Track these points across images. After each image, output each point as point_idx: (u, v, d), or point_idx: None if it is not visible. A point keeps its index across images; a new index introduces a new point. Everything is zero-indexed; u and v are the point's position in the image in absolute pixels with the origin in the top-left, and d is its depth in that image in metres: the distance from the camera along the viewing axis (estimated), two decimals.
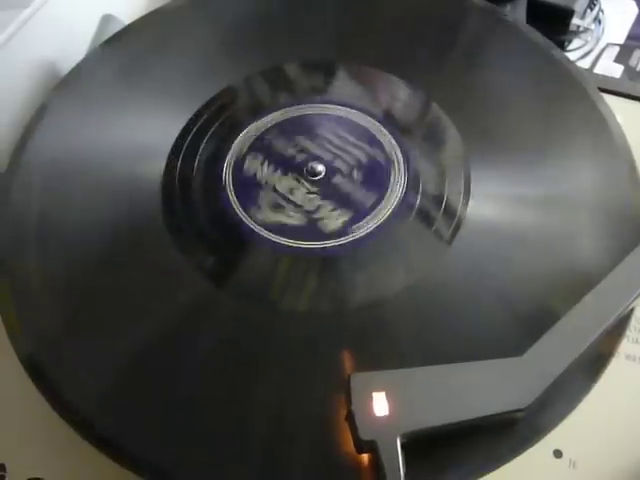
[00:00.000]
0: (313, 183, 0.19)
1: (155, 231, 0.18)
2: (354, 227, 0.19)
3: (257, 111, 0.21)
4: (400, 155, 0.20)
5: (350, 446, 0.14)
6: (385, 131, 0.20)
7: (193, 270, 0.18)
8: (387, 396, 0.14)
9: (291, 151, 0.20)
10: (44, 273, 0.18)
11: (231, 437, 0.15)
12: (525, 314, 0.17)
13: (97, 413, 0.15)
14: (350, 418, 0.14)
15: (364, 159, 0.20)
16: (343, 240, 0.18)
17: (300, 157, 0.20)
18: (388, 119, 0.21)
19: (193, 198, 0.19)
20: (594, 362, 0.16)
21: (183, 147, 0.20)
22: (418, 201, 0.19)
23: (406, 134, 0.20)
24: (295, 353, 0.17)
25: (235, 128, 0.21)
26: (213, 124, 0.21)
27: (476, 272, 0.18)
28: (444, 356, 0.16)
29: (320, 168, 0.20)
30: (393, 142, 0.20)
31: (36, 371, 0.16)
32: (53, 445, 0.17)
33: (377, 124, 0.21)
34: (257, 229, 0.18)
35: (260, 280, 0.18)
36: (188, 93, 0.21)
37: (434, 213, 0.19)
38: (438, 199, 0.19)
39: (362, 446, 0.14)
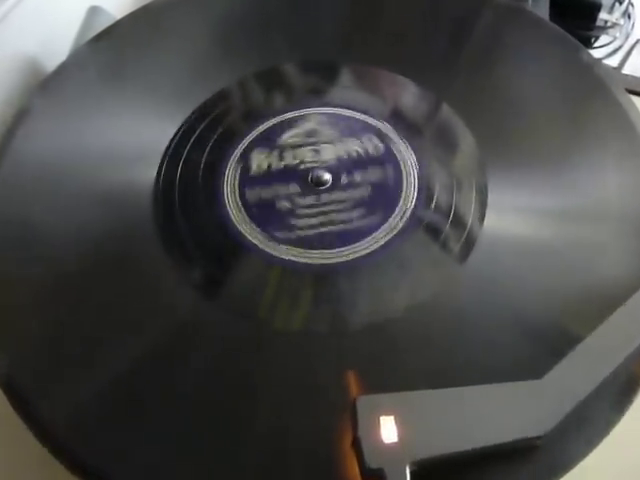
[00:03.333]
0: (317, 193, 0.20)
1: (145, 242, 0.20)
2: (359, 241, 0.19)
3: (256, 114, 0.22)
4: (410, 163, 0.21)
5: (355, 474, 0.15)
6: (393, 137, 0.22)
7: (185, 284, 0.19)
8: (396, 421, 0.15)
9: (295, 159, 0.21)
10: (24, 285, 0.19)
11: (221, 467, 0.16)
12: (545, 334, 0.18)
13: (76, 438, 0.16)
14: (356, 444, 0.15)
15: (371, 168, 0.21)
16: (346, 255, 0.19)
17: (304, 165, 0.21)
18: (396, 124, 0.22)
19: (188, 207, 0.20)
20: (623, 387, 0.16)
21: (176, 152, 0.21)
22: (429, 214, 0.20)
23: (416, 140, 0.21)
24: (294, 374, 0.17)
25: (234, 132, 0.22)
26: (209, 128, 0.22)
27: (492, 290, 0.19)
28: (456, 380, 0.16)
29: (326, 177, 0.21)
30: (402, 149, 0.21)
31: (11, 391, 0.17)
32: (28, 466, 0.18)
33: (385, 129, 0.22)
34: (258, 243, 0.19)
35: (255, 295, 0.19)
36: (181, 94, 0.23)
37: (446, 227, 0.20)
38: (451, 211, 0.20)
39: (369, 474, 0.15)
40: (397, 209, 0.20)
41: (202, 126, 0.22)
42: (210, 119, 0.22)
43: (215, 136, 0.22)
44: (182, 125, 0.22)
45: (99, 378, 0.17)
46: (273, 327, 0.18)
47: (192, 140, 0.22)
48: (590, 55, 0.23)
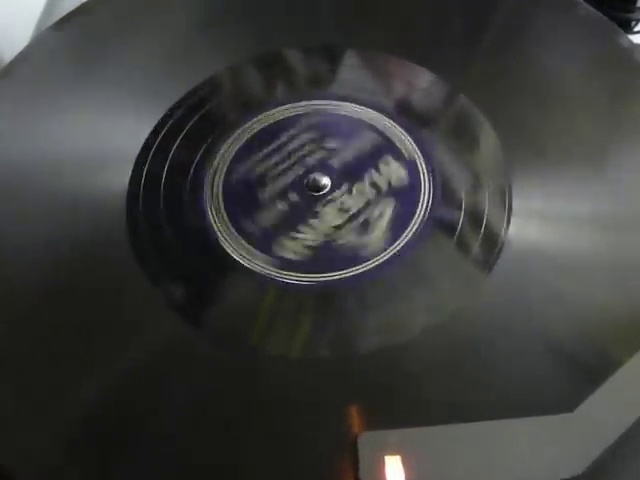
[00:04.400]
0: (315, 200, 0.21)
1: (117, 257, 0.20)
2: (365, 253, 0.20)
3: (247, 108, 0.23)
4: (423, 163, 0.22)
5: None
6: (404, 133, 0.22)
7: (165, 305, 0.19)
8: (403, 461, 0.15)
9: (290, 160, 0.22)
10: None
11: None
12: (580, 360, 0.18)
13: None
14: None
15: (378, 168, 0.22)
16: (350, 270, 0.20)
17: (301, 168, 0.22)
18: (407, 118, 0.22)
19: (167, 215, 0.21)
20: None
21: (154, 152, 0.22)
22: (446, 220, 0.20)
23: (430, 137, 0.22)
24: (290, 406, 0.18)
25: (221, 128, 0.22)
26: (192, 124, 0.23)
27: (518, 308, 0.19)
28: (476, 413, 0.17)
29: (324, 181, 0.21)
30: (414, 147, 0.22)
31: None
32: None
33: (394, 124, 0.22)
34: (249, 258, 0.20)
35: (247, 318, 0.19)
36: (160, 86, 0.23)
37: (466, 235, 0.20)
38: (471, 217, 0.20)
39: None
40: (408, 215, 0.21)
41: (183, 123, 0.23)
42: (193, 114, 0.23)
43: (199, 134, 0.23)
44: (160, 121, 0.23)
45: (70, 410, 0.18)
46: (267, 354, 0.19)
47: (171, 139, 0.23)
48: (630, 40, 0.23)
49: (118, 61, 0.24)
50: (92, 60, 0.24)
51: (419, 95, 0.24)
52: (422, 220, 0.21)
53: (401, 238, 0.21)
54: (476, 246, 0.20)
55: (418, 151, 0.22)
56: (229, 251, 0.21)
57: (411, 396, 0.18)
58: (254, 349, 0.19)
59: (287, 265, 0.20)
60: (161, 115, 0.23)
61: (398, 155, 0.22)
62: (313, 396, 0.18)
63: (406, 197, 0.21)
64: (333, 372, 0.19)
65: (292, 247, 0.21)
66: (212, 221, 0.21)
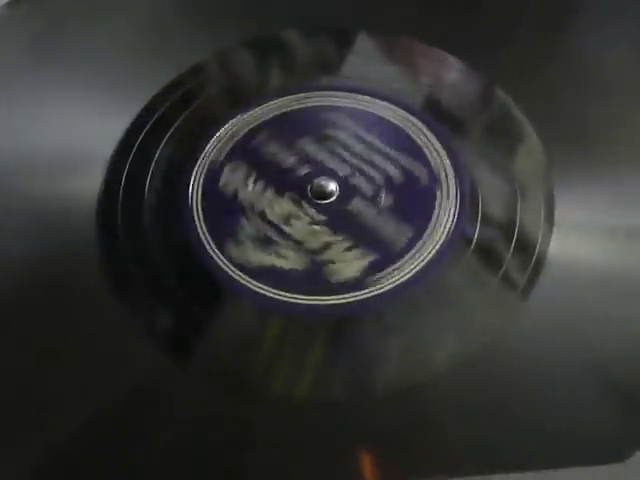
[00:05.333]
0: (320, 209, 0.21)
1: (86, 276, 0.20)
2: (379, 275, 0.20)
3: (239, 101, 0.23)
4: (449, 168, 0.22)
5: None
6: (428, 133, 0.22)
7: (144, 337, 0.19)
8: None
9: (289, 161, 0.22)
10: None
11: None
12: (633, 396, 0.18)
13: None
14: None
15: (396, 174, 0.22)
16: (363, 294, 0.20)
17: (302, 170, 0.22)
18: (432, 115, 0.22)
19: (144, 228, 0.21)
20: None
21: (130, 154, 0.22)
22: (476, 235, 0.21)
23: (458, 137, 0.22)
24: (296, 457, 0.18)
25: (207, 126, 0.22)
26: (174, 120, 0.23)
27: (562, 338, 0.19)
28: (513, 463, 0.17)
29: (332, 187, 0.21)
30: (439, 149, 0.22)
31: None
32: None
33: (416, 122, 0.22)
34: (235, 274, 0.20)
35: (238, 352, 0.19)
36: (136, 75, 0.23)
37: (500, 252, 0.20)
38: (506, 232, 0.21)
39: None
40: (430, 228, 0.21)
41: (165, 118, 0.23)
42: (177, 108, 0.23)
43: (184, 131, 0.23)
44: (137, 116, 0.23)
45: (35, 459, 0.18)
46: (268, 395, 0.19)
47: (151, 137, 0.23)
48: None
49: (87, 46, 0.24)
50: (55, 45, 0.24)
51: (446, 89, 0.24)
52: (448, 235, 0.21)
53: (424, 255, 0.21)
54: (512, 264, 0.21)
55: (444, 154, 0.22)
56: (223, 270, 0.21)
57: (437, 445, 0.18)
58: (253, 390, 0.19)
59: (289, 284, 0.20)
60: (139, 109, 0.23)
61: (420, 157, 0.22)
62: (321, 445, 0.19)
63: (424, 206, 0.22)
64: (345, 416, 0.19)
65: (296, 262, 0.21)
66: (202, 234, 0.21)
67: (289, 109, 0.23)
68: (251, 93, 0.24)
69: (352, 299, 0.20)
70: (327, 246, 0.21)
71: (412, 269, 0.20)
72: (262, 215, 0.21)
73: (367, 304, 0.20)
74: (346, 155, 0.22)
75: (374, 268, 0.20)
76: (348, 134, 0.23)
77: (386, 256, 0.20)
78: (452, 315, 0.20)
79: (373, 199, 0.22)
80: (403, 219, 0.21)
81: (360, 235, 0.21)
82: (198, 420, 0.19)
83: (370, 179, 0.22)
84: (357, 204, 0.22)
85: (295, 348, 0.20)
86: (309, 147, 0.23)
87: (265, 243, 0.21)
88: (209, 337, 0.20)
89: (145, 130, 0.23)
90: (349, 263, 0.20)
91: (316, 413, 0.19)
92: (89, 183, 0.22)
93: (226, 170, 0.22)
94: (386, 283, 0.20)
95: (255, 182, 0.22)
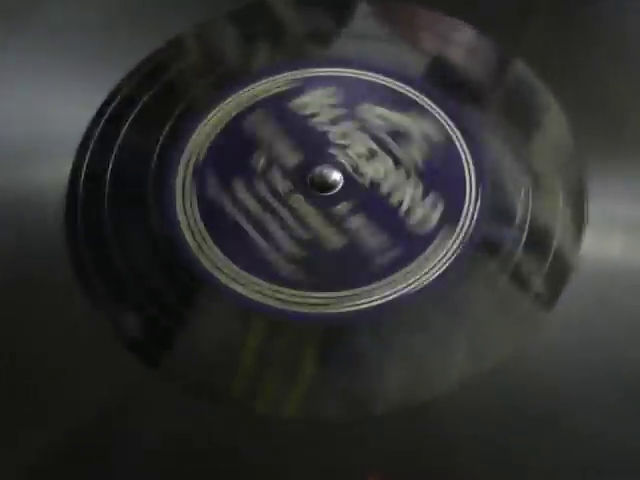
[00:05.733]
0: (320, 201, 0.21)
1: (52, 275, 0.20)
2: (386, 280, 0.20)
3: (226, 79, 0.23)
4: (465, 155, 0.21)
5: None
6: (438, 113, 0.22)
7: (116, 343, 0.19)
8: None
9: (285, 147, 0.22)
10: None
11: None
12: None
13: None
14: None
15: (405, 162, 0.21)
16: (367, 300, 0.20)
17: (300, 158, 0.22)
18: (444, 93, 0.22)
19: (120, 222, 0.21)
20: None
21: (100, 139, 0.22)
22: (496, 234, 0.20)
23: (475, 119, 0.22)
24: None
25: (192, 107, 0.22)
26: (152, 101, 0.22)
27: (593, 354, 0.19)
28: None
29: (335, 177, 0.21)
30: (452, 132, 0.22)
31: None
32: None
33: (425, 102, 0.22)
34: (218, 271, 0.20)
35: (226, 363, 0.19)
36: (106, 50, 0.23)
37: (520, 253, 0.20)
38: (527, 230, 0.20)
39: None
40: (444, 228, 0.21)
41: (141, 99, 0.23)
42: (153, 88, 0.23)
43: (162, 114, 0.23)
44: (109, 97, 0.23)
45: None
46: (254, 413, 0.19)
47: (125, 121, 0.23)
48: None
49: (50, 18, 0.24)
50: (20, 24, 0.24)
51: (458, 60, 0.23)
52: (460, 235, 0.21)
53: (434, 261, 0.21)
54: (534, 269, 0.20)
55: (460, 138, 0.22)
56: (206, 268, 0.20)
57: (443, 472, 0.18)
58: (236, 405, 0.19)
59: (282, 288, 0.20)
60: (110, 89, 0.23)
61: (432, 143, 0.22)
62: (314, 472, 0.18)
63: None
64: (341, 438, 0.19)
65: (287, 263, 0.21)
66: (182, 229, 0.21)
67: (284, 88, 0.23)
68: (240, 69, 0.24)
69: (355, 306, 0.20)
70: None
71: (421, 274, 0.20)
72: (252, 208, 0.22)
73: (371, 311, 0.20)
74: (349, 142, 0.22)
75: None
76: (352, 116, 0.23)
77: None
78: (461, 326, 0.20)
79: (378, 190, 0.22)
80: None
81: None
82: (175, 436, 0.19)
83: (375, 168, 0.22)
84: (361, 197, 0.22)
85: (283, 358, 0.20)
86: (307, 133, 0.23)
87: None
88: (189, 343, 0.20)
89: (118, 112, 0.23)
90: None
91: (307, 434, 0.19)
92: (55, 173, 0.22)
93: (212, 157, 0.22)
94: (392, 290, 0.20)
95: (245, 172, 0.22)
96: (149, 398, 0.19)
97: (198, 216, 0.21)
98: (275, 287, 0.20)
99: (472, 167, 0.21)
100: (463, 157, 0.22)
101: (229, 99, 0.23)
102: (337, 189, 0.21)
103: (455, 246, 0.20)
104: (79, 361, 0.20)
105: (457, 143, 0.22)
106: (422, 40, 0.23)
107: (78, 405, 0.19)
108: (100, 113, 0.23)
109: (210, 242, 0.21)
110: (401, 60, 0.23)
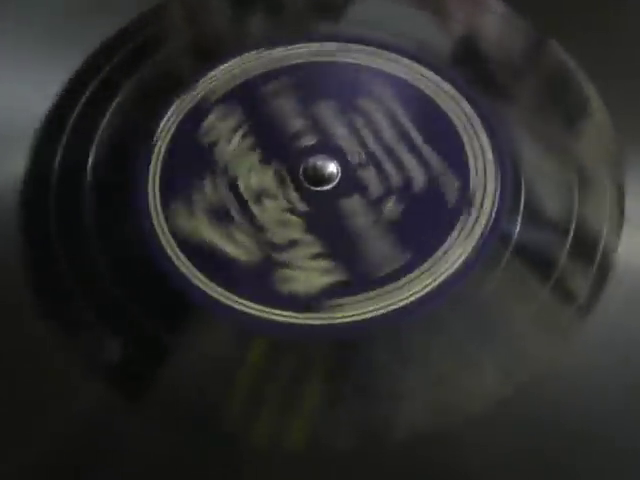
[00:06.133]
0: (306, 195, 0.21)
1: (7, 289, 0.20)
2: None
3: (210, 55, 0.22)
4: (487, 147, 0.21)
5: None
6: (457, 98, 0.22)
7: (86, 369, 0.19)
8: None
9: (277, 132, 0.22)
10: None
11: None
12: None
13: None
14: None
15: (414, 155, 0.21)
16: (371, 310, 0.19)
17: (293, 145, 0.22)
18: (464, 76, 0.22)
19: (84, 225, 0.21)
20: None
21: (64, 127, 0.22)
22: (520, 233, 0.20)
23: (500, 106, 0.22)
24: None
25: (170, 86, 0.22)
26: (124, 80, 0.22)
27: (636, 369, 0.19)
28: None
29: (331, 168, 0.21)
30: (472, 119, 0.21)
31: None
32: None
33: (443, 84, 0.22)
34: (209, 287, 0.20)
35: (205, 387, 0.19)
36: (68, 24, 0.23)
37: (552, 256, 0.20)
38: (560, 230, 0.20)
39: None
40: (459, 226, 0.20)
41: (111, 77, 0.22)
42: (127, 65, 0.22)
43: (136, 95, 0.22)
44: (75, 76, 0.22)
45: None
46: (248, 445, 0.18)
47: (92, 104, 0.22)
48: None
49: None
50: None
51: (485, 40, 0.23)
52: (483, 234, 0.20)
53: (446, 265, 0.20)
54: (567, 272, 0.20)
55: (480, 128, 0.22)
56: (189, 279, 0.20)
57: None
58: (231, 437, 0.19)
59: (284, 302, 0.20)
60: (76, 66, 0.23)
61: (448, 132, 0.22)
62: None
63: (452, 197, 0.21)
64: (353, 471, 0.18)
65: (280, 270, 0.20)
66: (158, 231, 0.21)
67: (276, 66, 0.23)
68: (224, 44, 0.23)
69: (362, 315, 0.20)
70: (292, 245, 0.20)
71: (430, 282, 0.20)
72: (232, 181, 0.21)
73: (376, 323, 0.20)
74: (349, 129, 0.22)
75: (338, 291, 0.20)
76: (354, 102, 0.22)
77: (359, 281, 0.20)
78: (488, 340, 0.20)
79: (383, 185, 0.21)
80: (422, 214, 0.21)
81: (338, 244, 0.21)
82: (159, 474, 0.19)
83: (379, 159, 0.22)
84: (361, 192, 0.21)
85: (284, 381, 0.19)
86: (301, 118, 0.22)
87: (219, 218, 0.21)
88: (173, 369, 0.20)
89: (86, 95, 0.22)
90: (308, 274, 0.20)
91: (314, 468, 0.18)
92: (9, 166, 0.22)
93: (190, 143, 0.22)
94: (400, 298, 0.20)
95: (244, 137, 0.22)
96: (126, 436, 0.19)
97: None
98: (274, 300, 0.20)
99: (497, 162, 0.21)
100: (490, 152, 0.21)
101: (212, 77, 0.23)
102: (334, 183, 0.21)
103: (475, 247, 0.20)
104: (43, 393, 0.19)
105: (480, 136, 0.22)
106: (441, 14, 0.23)
107: (39, 435, 0.19)
108: (65, 95, 0.22)
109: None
110: (415, 37, 0.23)
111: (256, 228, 0.20)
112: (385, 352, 0.19)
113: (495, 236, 0.20)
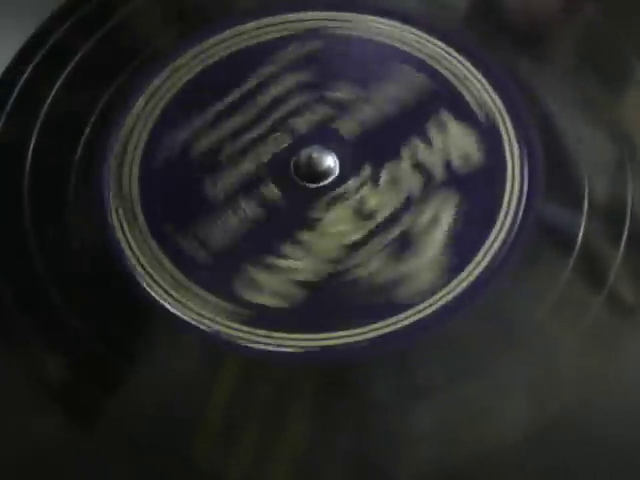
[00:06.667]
0: (312, 194, 0.20)
1: None
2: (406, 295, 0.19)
3: (188, 27, 0.22)
4: (510, 126, 0.21)
5: None
6: (475, 71, 0.21)
7: (35, 389, 0.19)
8: None
9: (264, 121, 0.21)
10: None
11: None
12: None
13: None
14: None
15: (427, 136, 0.21)
16: (377, 328, 0.19)
17: (286, 137, 0.21)
18: (483, 45, 0.21)
19: (39, 221, 0.20)
20: None
21: (6, 106, 0.21)
22: (554, 229, 0.20)
23: (524, 78, 0.21)
24: None
25: (140, 62, 0.22)
26: (86, 52, 0.22)
27: None
28: None
29: (329, 162, 0.21)
30: (494, 96, 0.21)
31: None
32: None
33: (457, 55, 0.22)
34: (176, 301, 0.19)
35: (174, 420, 0.18)
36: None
37: (602, 255, 0.19)
38: (601, 223, 0.19)
39: None
40: (485, 221, 0.20)
41: (70, 49, 0.22)
42: (87, 34, 0.22)
43: (100, 71, 0.22)
44: (27, 47, 0.22)
45: None
46: None
47: (47, 80, 0.22)
48: None
49: None
50: None
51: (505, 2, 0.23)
52: (510, 230, 0.20)
53: (472, 264, 0.19)
54: (611, 277, 0.19)
55: (501, 104, 0.21)
56: (152, 292, 0.20)
57: None
58: (198, 473, 0.18)
59: (263, 318, 0.19)
60: (27, 36, 0.22)
61: (464, 111, 0.21)
62: None
63: (480, 189, 0.20)
64: None
65: (270, 285, 0.20)
66: (121, 233, 0.20)
67: (263, 38, 0.22)
68: (205, 14, 0.23)
69: (371, 332, 0.19)
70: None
71: (455, 286, 0.19)
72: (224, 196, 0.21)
73: (382, 341, 0.19)
74: (352, 114, 0.21)
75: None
76: (355, 79, 0.22)
77: None
78: (520, 359, 0.19)
79: (393, 179, 0.21)
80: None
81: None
82: None
83: (387, 149, 0.21)
84: (367, 188, 0.21)
85: (266, 410, 0.19)
86: (296, 101, 0.21)
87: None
88: (134, 391, 0.19)
89: (40, 67, 0.22)
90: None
91: None
92: None
93: (163, 132, 0.21)
94: (413, 312, 0.19)
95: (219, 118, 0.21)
96: (79, 466, 0.18)
97: (144, 214, 0.20)
98: (252, 319, 0.19)
99: (521, 141, 0.21)
100: (508, 129, 0.21)
101: (190, 52, 0.22)
102: (332, 177, 0.21)
103: (500, 241, 0.19)
104: None
105: (501, 116, 0.21)
106: None
107: None
108: (16, 66, 0.22)
109: (159, 251, 0.20)
110: (438, 9, 0.23)
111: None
112: (388, 377, 0.19)
113: (527, 230, 0.19)
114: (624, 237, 0.19)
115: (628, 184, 0.20)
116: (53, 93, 0.22)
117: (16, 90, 0.22)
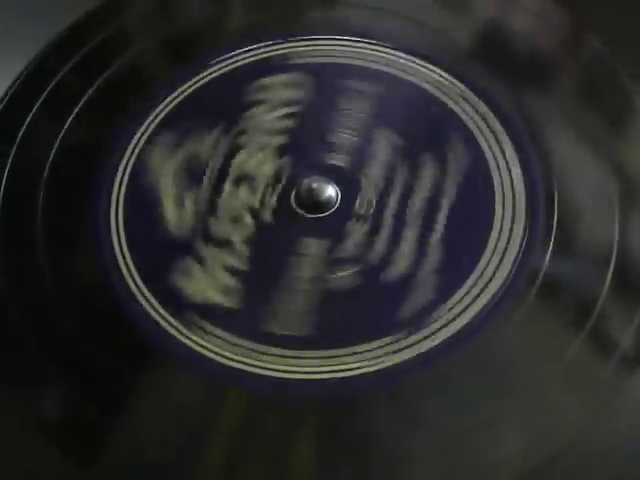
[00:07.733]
0: (310, 229, 0.20)
1: None
2: (404, 330, 0.19)
3: (182, 54, 0.22)
4: (515, 163, 0.21)
5: None
6: (476, 101, 0.21)
7: (28, 428, 0.18)
8: None
9: (262, 150, 0.21)
10: None
11: None
12: None
13: None
14: None
15: (429, 173, 0.21)
16: (377, 360, 0.19)
17: (283, 164, 0.21)
18: (487, 76, 0.21)
19: (35, 260, 0.20)
20: None
21: (12, 140, 0.21)
22: (552, 270, 0.19)
23: (529, 110, 0.21)
24: None
25: (136, 92, 0.22)
26: (81, 86, 0.22)
27: None
28: None
29: (329, 193, 0.21)
30: (496, 128, 0.21)
31: None
32: None
33: (457, 84, 0.22)
34: (174, 328, 0.19)
35: (183, 455, 0.18)
36: (23, 14, 0.22)
37: (591, 296, 0.19)
38: (607, 264, 0.19)
39: None
40: (482, 261, 0.20)
41: (65, 85, 0.22)
42: (82, 64, 0.22)
43: (95, 102, 0.22)
44: (23, 78, 0.22)
45: None
46: None
47: (46, 114, 0.22)
48: None
49: None
50: None
51: (510, 31, 0.23)
52: (510, 271, 0.20)
53: (471, 305, 0.19)
54: (610, 314, 0.19)
55: (504, 136, 0.21)
56: (156, 320, 0.20)
57: None
58: None
59: (260, 346, 0.19)
60: (20, 67, 0.22)
61: (465, 142, 0.21)
62: None
63: (474, 226, 0.20)
64: None
65: (267, 312, 0.19)
66: (121, 264, 0.20)
67: (265, 56, 0.22)
68: (200, 41, 0.23)
69: (364, 368, 0.19)
70: (221, 244, 0.21)
71: (447, 324, 0.19)
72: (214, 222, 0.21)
73: (383, 377, 0.19)
74: (351, 142, 0.22)
75: None
76: (357, 110, 0.22)
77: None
78: (513, 399, 0.19)
79: (394, 210, 0.21)
80: (440, 244, 0.20)
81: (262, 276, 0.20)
82: None
83: (388, 180, 0.21)
84: (365, 220, 0.21)
85: (268, 447, 0.19)
86: (294, 126, 0.22)
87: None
88: (131, 429, 0.19)
89: (32, 97, 0.22)
90: (210, 281, 0.20)
91: None
92: None
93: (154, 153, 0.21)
94: (413, 341, 0.19)
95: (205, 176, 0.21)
96: None
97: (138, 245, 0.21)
98: (256, 346, 0.19)
99: (525, 175, 0.20)
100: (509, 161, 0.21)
101: (186, 81, 0.22)
102: (332, 209, 0.21)
103: (494, 291, 0.19)
104: None
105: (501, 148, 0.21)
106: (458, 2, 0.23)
107: None
108: (12, 98, 0.22)
109: (160, 279, 0.20)
110: (425, 31, 0.23)
111: (209, 204, 0.21)
112: (388, 411, 0.19)
113: (526, 272, 0.19)
114: (609, 276, 0.19)
115: (615, 226, 0.20)
116: (64, 129, 0.21)
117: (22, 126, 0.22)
